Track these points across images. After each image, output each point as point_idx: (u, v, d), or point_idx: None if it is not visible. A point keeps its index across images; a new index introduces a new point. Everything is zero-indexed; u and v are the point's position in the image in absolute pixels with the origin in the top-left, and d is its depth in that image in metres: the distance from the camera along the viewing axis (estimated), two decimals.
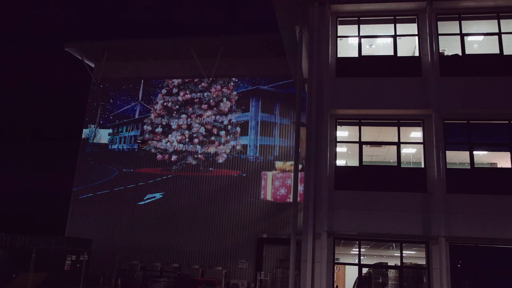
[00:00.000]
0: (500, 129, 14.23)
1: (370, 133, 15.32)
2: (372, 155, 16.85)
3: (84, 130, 33.84)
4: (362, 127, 14.78)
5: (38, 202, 53.35)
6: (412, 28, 15.53)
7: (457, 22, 15.26)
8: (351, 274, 20.40)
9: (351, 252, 19.72)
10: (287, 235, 26.32)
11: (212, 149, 30.95)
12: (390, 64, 15.05)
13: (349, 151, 15.64)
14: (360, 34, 15.57)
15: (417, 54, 15.18)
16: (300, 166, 22.61)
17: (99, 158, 32.79)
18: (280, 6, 16.69)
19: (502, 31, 14.96)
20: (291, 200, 28.40)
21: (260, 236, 28.27)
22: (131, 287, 26.63)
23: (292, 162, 28.85)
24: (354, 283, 16.14)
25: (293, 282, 13.90)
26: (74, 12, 74.03)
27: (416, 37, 15.35)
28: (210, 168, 30.58)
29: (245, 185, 29.77)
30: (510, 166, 13.94)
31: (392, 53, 15.23)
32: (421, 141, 14.41)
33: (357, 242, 14.58)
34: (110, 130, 33.41)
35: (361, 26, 15.67)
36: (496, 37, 14.97)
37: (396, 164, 14.31)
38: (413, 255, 17.75)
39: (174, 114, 32.30)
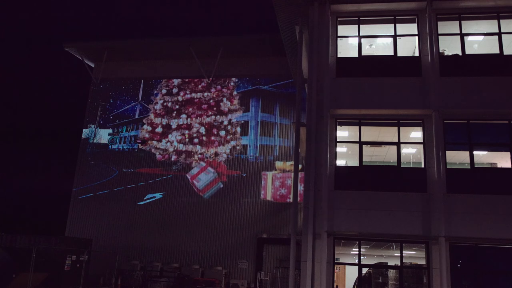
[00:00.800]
0: (500, 129, 14.24)
1: (370, 133, 15.33)
2: (372, 155, 16.86)
3: (84, 130, 33.83)
4: (362, 127, 14.79)
5: (38, 202, 53.36)
6: (412, 28, 15.53)
7: (457, 22, 15.27)
8: (351, 274, 20.38)
9: (351, 252, 19.73)
10: (287, 235, 26.31)
11: (212, 149, 30.95)
12: (390, 64, 15.06)
13: (349, 151, 15.64)
14: (360, 34, 15.58)
15: (417, 54, 15.19)
16: (300, 166, 22.61)
17: (99, 158, 32.78)
18: (280, 6, 16.70)
19: (502, 31, 14.97)
20: (291, 200, 28.40)
21: (260, 236, 28.26)
22: (131, 287, 26.62)
23: (292, 162, 28.85)
24: (354, 283, 16.13)
25: (293, 282, 13.90)
26: (74, 12, 74.03)
27: (416, 37, 15.36)
28: (211, 169, 30.57)
29: (245, 185, 29.77)
30: (510, 166, 13.94)
31: (392, 53, 15.24)
32: (421, 141, 14.41)
33: (357, 242, 14.59)
34: (110, 130, 33.40)
35: (361, 26, 15.68)
36: (496, 37, 14.98)
37: (396, 164, 14.32)
38: (413, 255, 17.75)
39: (174, 114, 32.30)
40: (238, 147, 30.62)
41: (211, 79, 32.17)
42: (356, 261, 14.38)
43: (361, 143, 14.54)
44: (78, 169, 32.92)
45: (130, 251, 29.57)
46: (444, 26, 15.40)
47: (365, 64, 15.26)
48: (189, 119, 31.90)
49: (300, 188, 24.37)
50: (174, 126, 32.04)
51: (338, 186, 14.12)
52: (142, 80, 33.82)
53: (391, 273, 15.81)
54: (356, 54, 15.44)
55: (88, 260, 24.92)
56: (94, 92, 34.49)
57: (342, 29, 15.83)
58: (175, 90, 32.87)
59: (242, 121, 31.11)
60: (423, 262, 14.10)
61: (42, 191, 54.52)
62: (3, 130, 60.78)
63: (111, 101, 34.02)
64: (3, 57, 68.00)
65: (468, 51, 15.13)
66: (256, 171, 29.91)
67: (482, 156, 15.42)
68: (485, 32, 15.34)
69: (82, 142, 33.56)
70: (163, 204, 30.58)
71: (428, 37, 14.86)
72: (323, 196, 13.77)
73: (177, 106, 32.44)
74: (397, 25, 15.55)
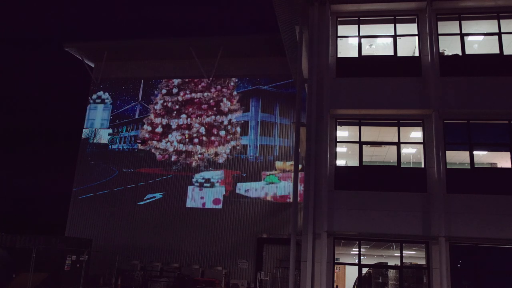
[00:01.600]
0: (500, 129, 14.23)
1: (370, 133, 15.33)
2: (372, 155, 16.85)
3: (84, 130, 33.84)
4: (362, 127, 14.78)
5: (38, 202, 53.36)
6: (412, 28, 15.53)
7: (457, 22, 15.27)
8: (351, 274, 20.37)
9: (351, 252, 19.72)
10: (287, 235, 26.31)
11: (212, 149, 30.95)
12: (390, 64, 15.05)
13: (349, 151, 15.64)
14: (360, 34, 15.57)
15: (417, 54, 15.19)
16: (300, 166, 22.61)
17: (99, 158, 32.78)
18: (280, 6, 16.69)
19: (502, 31, 14.96)
20: (291, 200, 28.40)
21: (260, 236, 28.26)
22: (131, 287, 26.62)
23: (292, 162, 28.85)
24: (354, 283, 16.13)
25: (293, 282, 13.90)
26: (74, 12, 74.03)
27: (416, 37, 15.35)
28: (210, 168, 30.58)
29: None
30: (510, 166, 13.94)
31: (392, 53, 15.24)
32: (421, 141, 14.41)
33: (357, 242, 14.58)
34: (110, 130, 33.40)
35: (361, 26, 15.67)
36: (496, 37, 14.97)
37: (396, 164, 14.32)
38: (413, 255, 17.74)
39: (174, 114, 32.30)
40: (238, 147, 30.61)
41: (211, 79, 32.17)
42: (356, 261, 14.37)
43: (361, 143, 14.53)
44: (78, 169, 32.92)
45: (130, 251, 29.57)
46: (444, 26, 15.39)
47: (365, 64, 15.25)
48: (189, 119, 31.89)
49: (300, 188, 24.38)
50: (174, 126, 32.04)
51: (338, 186, 14.12)
52: (142, 80, 33.81)
53: (391, 273, 15.81)
54: (356, 54, 15.44)
55: (88, 260, 24.92)
56: (94, 92, 34.48)
57: (342, 29, 15.83)
58: (175, 90, 32.86)
59: (242, 121, 31.10)
60: (423, 262, 14.10)
61: (42, 191, 54.54)
62: (3, 130, 60.77)
63: (111, 101, 34.02)
64: (3, 57, 67.98)
65: (468, 51, 15.12)
66: (256, 171, 29.90)
67: (482, 156, 15.42)
68: (485, 32, 15.34)
69: (82, 142, 33.55)
70: (163, 204, 30.58)
71: (428, 37, 14.86)
72: (323, 196, 13.77)
73: (177, 106, 32.44)
74: (397, 25, 15.55)
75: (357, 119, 14.82)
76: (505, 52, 14.74)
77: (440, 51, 15.05)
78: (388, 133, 15.16)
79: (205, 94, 32.16)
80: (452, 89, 14.27)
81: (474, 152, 14.16)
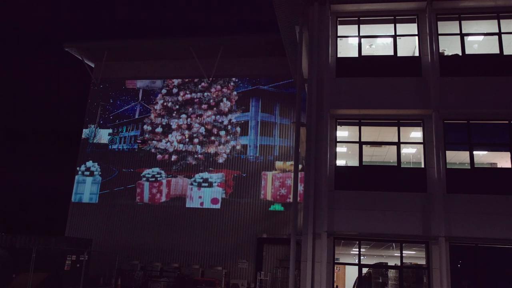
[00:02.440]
0: (500, 129, 14.23)
1: (370, 133, 15.32)
2: (372, 155, 16.85)
3: (84, 130, 33.82)
4: (362, 127, 14.78)
5: (38, 202, 53.38)
6: (412, 28, 15.52)
7: (457, 22, 15.26)
8: (351, 274, 20.36)
9: (351, 252, 19.72)
10: (287, 235, 26.31)
11: (212, 149, 30.95)
12: (390, 64, 15.05)
13: (349, 151, 15.64)
14: (360, 34, 15.57)
15: (417, 54, 15.18)
16: (300, 166, 22.62)
17: (99, 158, 32.78)
18: (280, 6, 16.69)
19: (502, 31, 14.96)
20: (291, 200, 28.40)
21: (260, 236, 28.26)
22: (131, 287, 26.62)
23: (292, 162, 28.85)
24: (354, 283, 16.12)
25: (293, 282, 13.90)
26: (74, 12, 74.02)
27: (416, 37, 15.35)
28: (210, 168, 30.58)
29: (245, 185, 29.76)
30: (510, 166, 13.94)
31: (392, 53, 15.23)
32: (421, 141, 14.41)
33: (357, 242, 14.58)
34: (110, 130, 33.40)
35: (361, 26, 15.67)
36: (496, 37, 14.97)
37: (396, 164, 14.31)
38: (413, 255, 17.73)
39: (174, 114, 32.30)
40: (238, 147, 30.61)
41: (211, 79, 32.17)
42: (356, 261, 14.37)
43: (361, 143, 14.53)
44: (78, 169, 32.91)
45: (130, 251, 29.57)
46: (444, 26, 15.39)
47: (365, 64, 15.25)
48: (189, 119, 31.89)
49: (300, 188, 24.37)
50: (174, 126, 32.03)
51: (338, 186, 14.12)
52: (142, 80, 33.81)
53: (391, 273, 15.81)
54: (356, 54, 15.44)
55: (88, 260, 24.91)
56: (94, 92, 34.49)
57: (342, 29, 15.83)
58: (175, 90, 32.86)
59: (242, 121, 31.10)
60: (423, 262, 14.10)
61: (42, 191, 54.56)
62: (3, 130, 60.78)
63: (111, 101, 34.01)
64: (3, 57, 67.99)
65: (468, 51, 15.12)
66: (256, 171, 29.90)
67: (482, 156, 15.42)
68: (485, 32, 15.34)
69: (82, 142, 33.55)
70: (163, 204, 30.56)
71: (428, 37, 14.85)
72: (323, 196, 13.77)
73: (177, 106, 32.44)
74: (397, 25, 15.55)
75: (357, 119, 14.82)
76: (505, 52, 14.74)
77: (440, 51, 15.05)
78: (388, 133, 15.16)
79: (205, 94, 32.16)
80: (452, 89, 14.26)
81: (474, 152, 14.16)
